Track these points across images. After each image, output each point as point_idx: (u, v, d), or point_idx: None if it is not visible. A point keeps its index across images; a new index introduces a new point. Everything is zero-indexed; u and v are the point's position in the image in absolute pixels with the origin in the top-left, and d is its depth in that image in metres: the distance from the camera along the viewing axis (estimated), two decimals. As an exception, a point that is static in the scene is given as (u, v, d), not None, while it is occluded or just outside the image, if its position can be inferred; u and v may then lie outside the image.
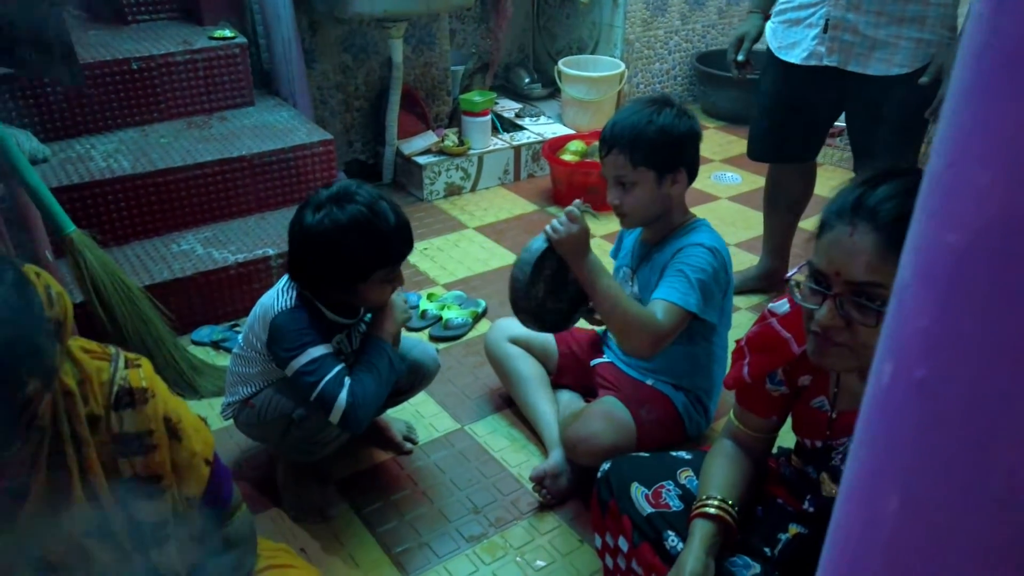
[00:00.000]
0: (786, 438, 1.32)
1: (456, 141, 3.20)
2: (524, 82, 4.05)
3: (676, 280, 1.57)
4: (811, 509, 1.17)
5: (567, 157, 3.14)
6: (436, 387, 1.97)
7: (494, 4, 3.36)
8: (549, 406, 1.86)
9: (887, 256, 0.88)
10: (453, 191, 3.23)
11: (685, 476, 1.37)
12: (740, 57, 2.13)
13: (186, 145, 2.51)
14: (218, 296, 2.31)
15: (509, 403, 2.01)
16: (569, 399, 1.89)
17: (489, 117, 3.28)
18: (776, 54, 2.05)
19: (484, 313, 2.42)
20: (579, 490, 1.71)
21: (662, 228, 1.69)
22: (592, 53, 3.99)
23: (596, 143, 3.17)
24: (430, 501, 1.71)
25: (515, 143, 3.36)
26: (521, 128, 3.54)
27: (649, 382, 1.75)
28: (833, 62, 1.93)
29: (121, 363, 1.07)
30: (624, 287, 1.76)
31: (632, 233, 1.82)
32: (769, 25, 2.09)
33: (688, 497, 1.31)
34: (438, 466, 1.81)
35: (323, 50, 3.06)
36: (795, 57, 1.99)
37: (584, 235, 1.51)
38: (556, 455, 1.74)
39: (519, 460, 1.83)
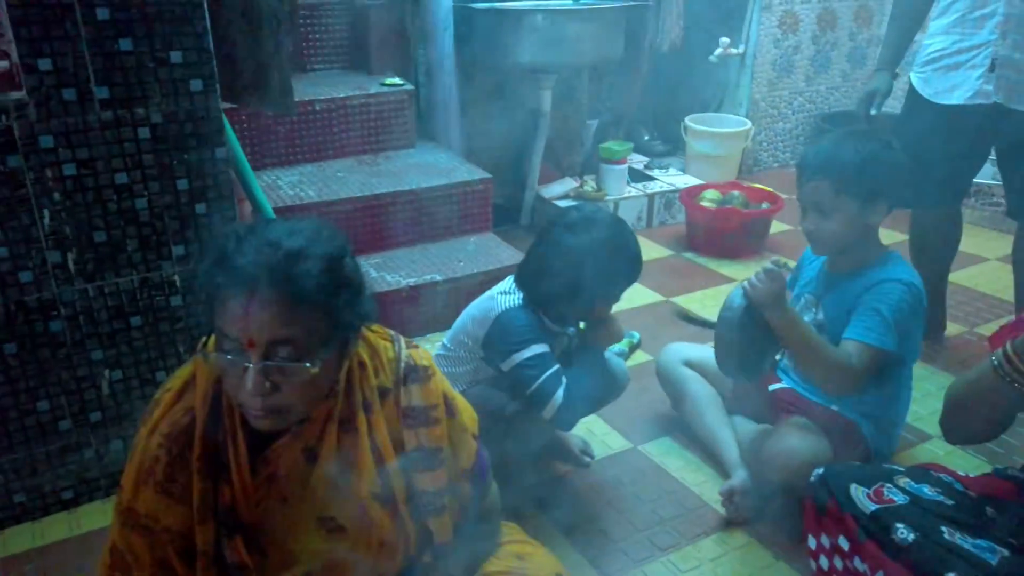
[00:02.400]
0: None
1: (595, 187, 3.34)
2: (643, 138, 4.19)
3: (872, 319, 1.61)
4: None
5: (705, 205, 3.22)
6: (605, 409, 2.02)
7: (630, 60, 3.54)
8: (727, 429, 1.89)
9: None
10: (589, 235, 3.34)
11: (903, 481, 1.39)
12: (873, 112, 2.21)
13: (360, 179, 2.72)
14: (390, 315, 2.45)
15: (678, 427, 2.05)
16: (744, 424, 1.92)
17: (626, 166, 3.42)
18: (931, 99, 2.11)
19: (638, 344, 2.49)
20: (765, 509, 1.72)
21: (854, 258, 1.72)
22: (716, 111, 4.12)
23: (733, 192, 3.26)
24: (617, 511, 1.75)
25: (648, 191, 3.47)
26: (651, 179, 3.65)
27: (835, 408, 1.77)
28: (999, 99, 1.99)
29: (402, 343, 1.18)
30: (806, 314, 1.80)
31: (814, 260, 1.86)
32: (917, 76, 2.17)
33: (912, 495, 1.33)
34: (620, 480, 1.86)
35: (474, 99, 3.27)
36: (957, 98, 2.06)
37: (782, 289, 1.58)
38: (741, 474, 1.77)
39: (698, 479, 1.86)
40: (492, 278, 2.62)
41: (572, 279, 1.56)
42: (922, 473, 1.45)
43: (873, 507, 1.34)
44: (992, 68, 1.99)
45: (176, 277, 1.70)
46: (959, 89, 2.07)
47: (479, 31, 2.99)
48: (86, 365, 1.67)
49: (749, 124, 3.84)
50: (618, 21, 3.04)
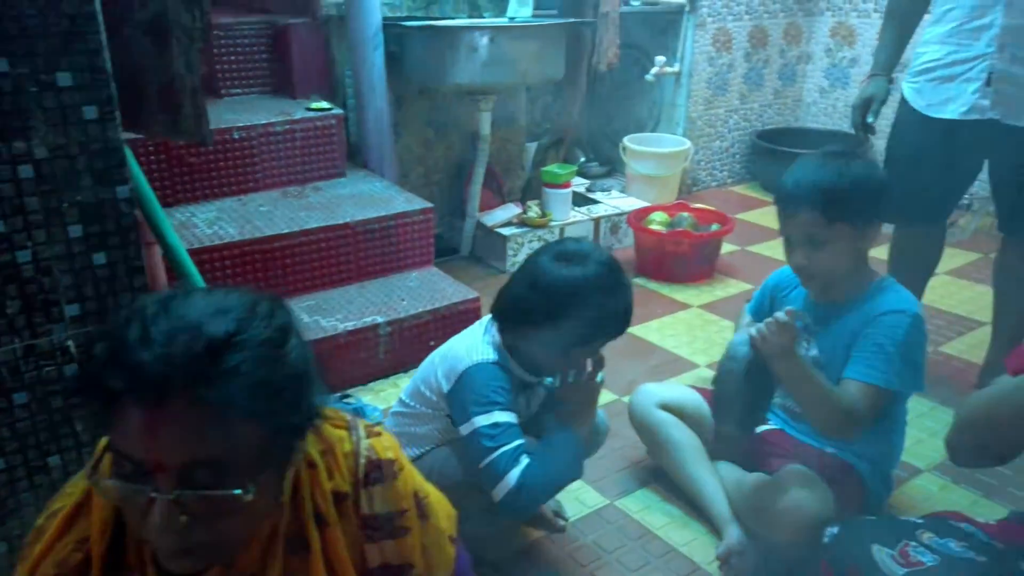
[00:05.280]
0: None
1: (539, 213, 3.17)
2: (580, 160, 4.07)
3: (875, 357, 1.48)
4: None
5: (654, 228, 3.10)
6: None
7: (569, 79, 3.40)
8: (713, 479, 1.72)
9: None
10: (535, 263, 3.17)
11: (927, 537, 1.25)
12: (870, 120, 2.11)
13: (287, 213, 2.46)
14: (326, 366, 2.19)
15: (655, 476, 1.87)
16: (731, 471, 1.75)
17: (570, 190, 3.26)
18: (922, 111, 2.02)
19: (602, 383, 2.30)
20: (766, 569, 1.56)
21: (846, 287, 1.59)
22: (652, 131, 4.04)
23: (681, 214, 3.15)
24: (602, 583, 1.56)
25: (593, 215, 3.33)
26: (594, 202, 3.52)
27: (830, 451, 1.63)
28: (995, 115, 1.90)
29: (362, 431, 0.96)
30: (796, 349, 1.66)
31: (795, 288, 1.72)
32: (909, 86, 2.08)
33: (940, 553, 1.19)
34: (599, 545, 1.66)
35: (407, 124, 3.06)
36: (952, 113, 1.96)
37: (793, 339, 1.44)
38: (735, 531, 1.60)
39: (686, 538, 1.68)
40: (439, 317, 2.40)
41: (551, 316, 1.36)
42: (942, 524, 1.31)
43: (902, 571, 1.19)
44: (988, 82, 1.90)
45: (70, 342, 1.42)
46: (953, 103, 1.97)
47: (412, 51, 2.79)
48: (-43, 456, 1.36)
49: (688, 144, 3.76)
50: (559, 39, 2.90)
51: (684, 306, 2.84)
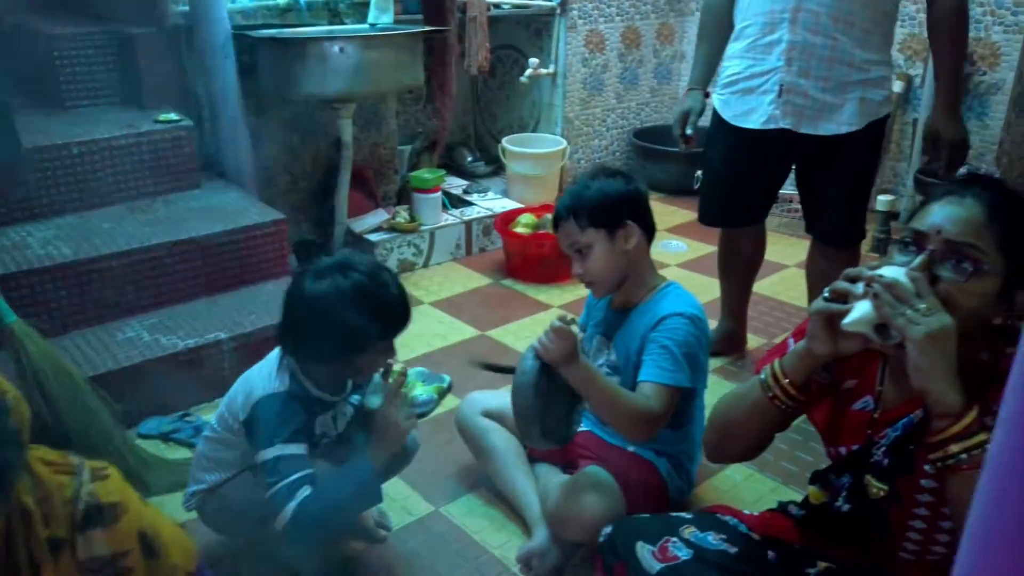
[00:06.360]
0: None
1: (408, 218, 3.20)
2: (467, 160, 4.12)
3: (662, 358, 1.57)
4: (846, 507, 1.17)
5: (519, 230, 3.17)
6: (407, 468, 1.88)
7: (439, 84, 3.43)
8: (528, 481, 1.80)
9: (987, 224, 1.02)
10: (406, 267, 3.20)
11: (689, 532, 1.34)
12: (689, 131, 2.21)
13: (130, 229, 2.42)
14: (166, 385, 2.18)
15: (483, 481, 1.93)
16: (547, 472, 1.83)
17: (440, 194, 3.30)
18: (731, 122, 2.13)
19: (449, 388, 2.36)
20: (567, 567, 1.64)
21: (632, 291, 1.69)
22: (533, 131, 4.11)
23: (547, 216, 3.22)
24: (410, 591, 1.61)
25: (465, 218, 3.38)
26: (469, 204, 3.56)
27: (631, 449, 1.71)
28: (787, 124, 2.03)
29: (86, 475, 0.98)
30: (599, 356, 1.75)
31: (599, 300, 1.81)
32: (718, 98, 2.19)
33: (696, 548, 1.28)
34: (417, 553, 1.71)
35: (269, 131, 3.04)
36: (754, 123, 2.08)
37: (573, 344, 1.48)
38: (540, 533, 1.67)
39: (500, 541, 1.75)
40: (289, 329, 2.41)
41: (319, 333, 1.40)
42: (708, 518, 1.41)
43: (658, 567, 1.28)
44: (780, 94, 2.02)
45: None
46: (755, 113, 2.09)
47: (263, 60, 2.77)
48: None
49: (564, 143, 3.84)
50: (414, 46, 2.91)
51: (545, 307, 2.91)
